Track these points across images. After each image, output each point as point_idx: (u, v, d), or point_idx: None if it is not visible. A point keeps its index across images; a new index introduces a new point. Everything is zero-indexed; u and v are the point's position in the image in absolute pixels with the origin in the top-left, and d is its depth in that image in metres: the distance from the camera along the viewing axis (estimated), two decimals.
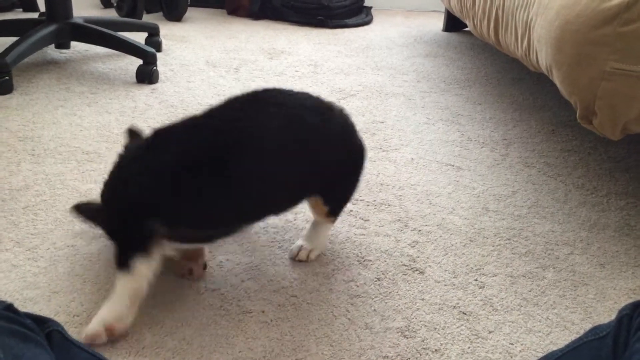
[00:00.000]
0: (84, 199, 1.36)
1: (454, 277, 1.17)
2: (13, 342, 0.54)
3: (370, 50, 2.76)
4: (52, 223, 1.26)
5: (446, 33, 3.13)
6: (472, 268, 1.20)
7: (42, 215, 1.29)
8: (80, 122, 1.77)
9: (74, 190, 1.40)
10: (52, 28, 2.11)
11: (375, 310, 1.07)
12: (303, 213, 1.36)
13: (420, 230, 1.32)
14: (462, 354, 0.98)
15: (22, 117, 1.78)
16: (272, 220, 1.32)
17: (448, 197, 1.47)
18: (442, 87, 2.26)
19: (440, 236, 1.30)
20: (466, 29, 3.12)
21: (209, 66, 2.37)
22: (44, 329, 0.60)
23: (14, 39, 2.03)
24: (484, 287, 1.14)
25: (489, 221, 1.37)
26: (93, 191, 1.40)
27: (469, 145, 1.77)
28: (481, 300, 1.11)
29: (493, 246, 1.27)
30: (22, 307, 0.78)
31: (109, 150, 1.61)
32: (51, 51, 2.42)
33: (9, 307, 0.59)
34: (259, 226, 1.30)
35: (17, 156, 1.54)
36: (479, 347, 1.00)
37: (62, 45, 2.42)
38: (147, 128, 1.77)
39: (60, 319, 0.99)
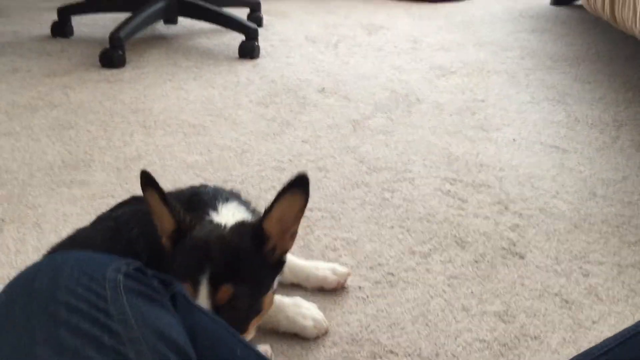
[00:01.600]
0: (190, 169, 1.43)
1: (556, 264, 1.13)
2: (140, 302, 0.58)
3: (472, 25, 2.68)
4: None
5: (554, 7, 2.97)
6: (576, 255, 1.16)
7: None
8: (187, 96, 1.85)
9: (181, 161, 1.47)
10: (161, 4, 2.20)
11: (472, 292, 1.06)
12: (400, 191, 1.36)
13: (521, 214, 1.28)
14: (563, 343, 0.95)
15: (134, 90, 1.88)
16: (369, 197, 1.33)
17: (552, 180, 1.41)
18: (548, 65, 2.16)
19: (543, 220, 1.26)
20: (576, 2, 2.95)
21: (308, 41, 2.40)
22: (169, 291, 0.64)
23: (126, 14, 2.14)
24: (588, 275, 1.10)
25: (596, 207, 1.31)
26: (199, 163, 1.46)
27: (576, 127, 1.69)
28: (585, 289, 1.07)
29: (600, 233, 1.22)
30: None
31: (213, 124, 1.67)
32: (159, 26, 2.52)
33: (139, 269, 0.63)
34: (356, 202, 1.31)
35: (130, 127, 1.63)
36: (581, 336, 0.97)
37: (170, 20, 2.52)
38: (249, 103, 1.83)
39: None
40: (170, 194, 0.97)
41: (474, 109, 1.80)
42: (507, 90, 1.94)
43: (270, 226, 0.82)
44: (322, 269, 1.06)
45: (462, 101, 1.85)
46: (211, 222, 0.86)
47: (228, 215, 0.88)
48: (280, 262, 0.86)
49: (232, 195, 0.97)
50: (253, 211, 0.95)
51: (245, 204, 0.97)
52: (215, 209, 0.89)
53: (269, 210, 0.81)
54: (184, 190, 0.99)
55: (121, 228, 0.91)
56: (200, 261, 0.78)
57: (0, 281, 1.06)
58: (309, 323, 0.95)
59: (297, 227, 0.85)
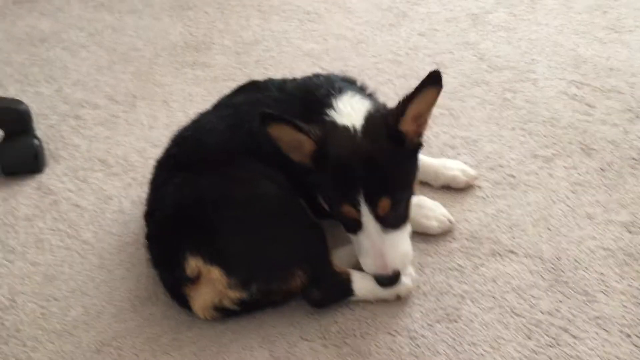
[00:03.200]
0: (307, 57, 1.43)
1: None
2: None
3: None
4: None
5: None
6: None
7: (271, 70, 1.38)
8: None
9: (297, 48, 1.47)
10: None
11: (597, 201, 1.03)
12: (522, 92, 1.31)
13: None
14: None
15: None
16: (489, 97, 1.30)
17: None
18: None
19: None
20: None
21: None
22: None
23: None
24: None
25: None
26: (315, 51, 1.46)
27: None
28: None
29: None
30: None
31: (328, 11, 1.64)
32: None
33: None
34: (475, 100, 1.28)
35: (246, 11, 1.63)
36: None
37: None
38: None
39: None
40: (285, 82, 0.98)
41: (605, 7, 1.67)
42: None
43: (406, 125, 0.83)
44: (452, 168, 1.06)
45: None
46: (343, 129, 0.84)
47: (348, 110, 0.87)
48: (418, 145, 0.88)
49: (346, 83, 0.95)
50: (370, 96, 0.94)
51: (361, 90, 0.95)
52: (332, 106, 0.88)
53: (402, 111, 0.82)
54: (297, 82, 0.98)
55: (242, 118, 0.93)
56: (353, 183, 0.81)
57: (137, 153, 1.13)
58: (432, 224, 0.97)
59: (429, 115, 0.86)
